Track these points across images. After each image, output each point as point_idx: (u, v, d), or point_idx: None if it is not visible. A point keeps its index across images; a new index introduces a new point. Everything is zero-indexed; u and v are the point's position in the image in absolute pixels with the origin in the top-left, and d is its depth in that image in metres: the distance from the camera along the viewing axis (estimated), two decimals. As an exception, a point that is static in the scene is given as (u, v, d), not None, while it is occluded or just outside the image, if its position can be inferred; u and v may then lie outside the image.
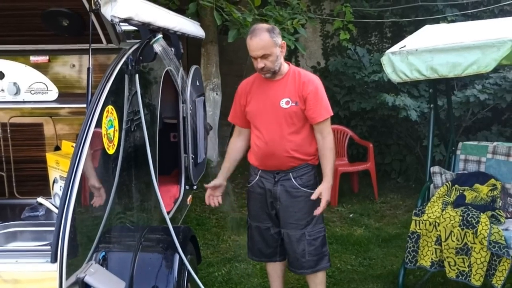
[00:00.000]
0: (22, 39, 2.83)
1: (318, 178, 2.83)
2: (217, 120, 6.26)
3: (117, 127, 2.09)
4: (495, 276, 2.83)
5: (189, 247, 2.60)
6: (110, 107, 2.01)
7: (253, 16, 4.84)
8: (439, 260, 3.02)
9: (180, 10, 4.52)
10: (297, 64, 6.68)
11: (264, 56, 2.58)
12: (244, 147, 2.92)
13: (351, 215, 4.99)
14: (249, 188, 2.89)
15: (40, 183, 2.74)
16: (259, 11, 4.99)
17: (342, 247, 4.16)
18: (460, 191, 3.33)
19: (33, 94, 2.82)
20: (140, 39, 2.44)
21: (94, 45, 2.27)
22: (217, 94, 6.30)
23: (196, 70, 3.48)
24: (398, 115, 5.16)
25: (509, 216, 3.14)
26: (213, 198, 2.88)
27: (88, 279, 1.74)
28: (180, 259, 2.31)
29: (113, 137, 2.05)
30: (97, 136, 1.91)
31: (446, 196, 3.27)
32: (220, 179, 2.89)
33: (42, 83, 2.83)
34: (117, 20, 1.93)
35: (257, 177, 2.80)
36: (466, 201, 3.19)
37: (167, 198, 3.09)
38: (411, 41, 3.18)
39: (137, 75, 2.27)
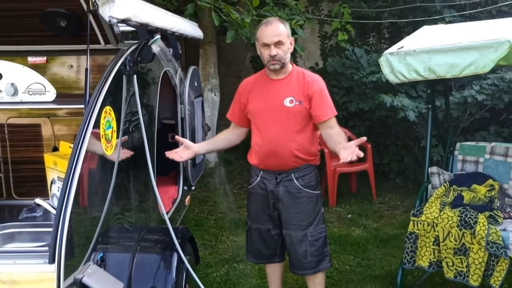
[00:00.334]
0: (20, 40, 2.82)
1: (319, 179, 2.83)
2: (215, 120, 6.26)
3: (115, 128, 2.09)
4: (493, 276, 2.83)
5: (188, 248, 2.60)
6: (108, 108, 2.01)
7: (251, 17, 4.84)
8: (437, 261, 3.02)
9: (178, 11, 4.53)
10: (295, 65, 6.68)
11: (279, 43, 2.58)
12: (232, 141, 2.90)
13: (349, 216, 4.99)
14: (249, 190, 2.87)
15: (38, 184, 2.74)
16: (257, 12, 4.99)
17: (340, 248, 4.16)
18: (458, 192, 3.34)
19: (31, 94, 2.82)
20: (138, 40, 2.44)
21: (92, 46, 2.27)
22: (215, 94, 6.30)
23: (194, 70, 3.48)
24: (396, 116, 5.17)
25: (506, 216, 3.14)
26: (176, 154, 2.71)
27: (86, 280, 1.73)
28: (179, 259, 2.31)
29: (111, 138, 2.05)
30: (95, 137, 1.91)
31: (444, 197, 3.28)
32: (195, 146, 2.80)
33: (40, 83, 2.83)
34: (115, 20, 1.92)
35: (259, 178, 2.79)
36: (464, 202, 3.20)
37: (166, 199, 3.09)
38: (409, 42, 3.19)
39: (135, 76, 2.27)
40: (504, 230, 2.89)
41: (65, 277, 1.66)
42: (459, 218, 2.95)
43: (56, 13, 2.60)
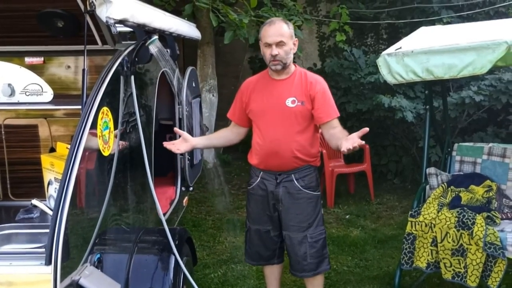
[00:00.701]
0: (17, 40, 2.82)
1: (319, 180, 2.83)
2: (213, 121, 6.26)
3: (112, 129, 2.08)
4: (490, 277, 2.83)
5: (185, 249, 2.59)
6: (105, 108, 2.00)
7: (249, 18, 4.84)
8: (435, 261, 3.02)
9: (176, 11, 4.51)
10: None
11: (280, 43, 2.58)
12: (230, 139, 2.90)
13: (347, 216, 4.99)
14: (249, 190, 2.86)
15: (34, 185, 2.72)
16: (255, 13, 4.99)
17: (339, 249, 4.16)
18: (456, 192, 3.34)
19: (28, 95, 2.81)
20: (136, 40, 2.44)
21: (89, 47, 2.26)
22: (213, 95, 6.30)
23: (192, 71, 3.48)
24: (394, 117, 5.18)
25: (504, 217, 3.15)
26: (174, 146, 2.70)
27: (83, 282, 1.73)
28: (176, 261, 2.30)
29: (108, 138, 2.05)
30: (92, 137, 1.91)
31: (442, 197, 3.28)
32: (193, 140, 2.79)
33: (37, 84, 2.82)
34: (112, 21, 1.92)
35: (259, 178, 2.78)
36: (461, 202, 3.20)
37: (163, 200, 3.08)
38: (406, 43, 3.19)
39: (132, 77, 2.27)
40: (502, 231, 2.90)
41: (62, 279, 1.65)
42: (457, 219, 2.95)
43: (54, 14, 2.59)
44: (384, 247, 4.19)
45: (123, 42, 2.60)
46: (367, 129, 2.36)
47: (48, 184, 2.48)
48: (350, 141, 2.37)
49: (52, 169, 2.44)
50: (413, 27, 4.79)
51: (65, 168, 1.74)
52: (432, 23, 5.32)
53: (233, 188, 5.93)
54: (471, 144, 3.73)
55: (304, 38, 6.58)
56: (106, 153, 2.03)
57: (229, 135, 2.91)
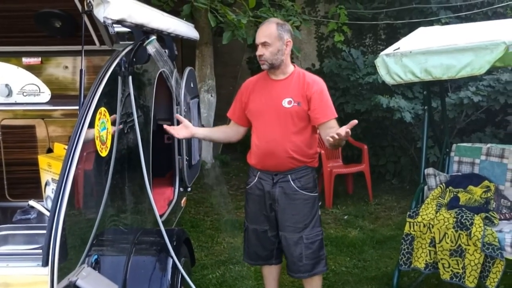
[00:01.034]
0: (14, 41, 2.81)
1: (317, 181, 2.82)
2: (212, 121, 6.26)
3: (110, 129, 2.08)
4: (489, 278, 2.83)
5: (183, 250, 2.59)
6: (103, 109, 1.99)
7: (248, 18, 4.84)
8: (433, 262, 3.02)
9: (175, 11, 4.51)
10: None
11: (265, 44, 2.61)
12: (229, 136, 2.92)
13: (345, 217, 4.99)
14: (247, 190, 2.87)
15: (32, 186, 2.71)
16: (254, 13, 4.99)
17: (337, 249, 4.16)
18: (454, 193, 3.34)
19: (25, 96, 2.80)
20: (134, 40, 2.43)
21: (87, 47, 2.25)
22: (211, 95, 6.30)
23: (191, 71, 3.47)
24: (393, 117, 5.18)
25: (502, 217, 3.15)
26: (174, 130, 2.73)
27: (80, 283, 1.72)
28: (174, 262, 2.30)
29: (106, 139, 2.04)
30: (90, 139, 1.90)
31: (440, 198, 3.28)
32: (193, 128, 2.81)
33: (35, 84, 2.81)
34: (109, 21, 1.91)
35: (256, 178, 2.79)
36: (460, 203, 3.20)
37: (161, 200, 3.08)
38: (405, 43, 3.19)
39: (130, 77, 2.26)
40: (500, 231, 2.90)
41: (59, 280, 1.64)
42: (455, 219, 2.95)
43: (51, 14, 2.58)
44: (383, 247, 4.19)
45: (121, 43, 2.60)
46: (355, 121, 2.37)
47: (45, 185, 2.47)
48: (340, 130, 2.38)
49: (49, 170, 2.43)
50: (411, 28, 4.79)
51: (62, 169, 1.73)
52: (431, 23, 5.32)
53: (232, 188, 5.92)
54: (469, 144, 3.73)
55: (303, 38, 6.59)
56: (103, 154, 2.03)
57: (228, 131, 2.94)
